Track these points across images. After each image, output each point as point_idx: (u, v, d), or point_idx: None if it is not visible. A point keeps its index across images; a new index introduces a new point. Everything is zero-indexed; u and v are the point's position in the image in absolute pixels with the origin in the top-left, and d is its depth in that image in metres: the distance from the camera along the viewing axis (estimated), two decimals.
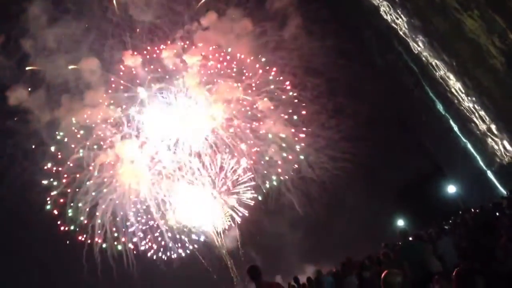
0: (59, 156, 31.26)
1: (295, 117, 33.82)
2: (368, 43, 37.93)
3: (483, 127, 32.72)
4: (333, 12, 33.48)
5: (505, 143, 31.39)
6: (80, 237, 31.16)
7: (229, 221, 33.88)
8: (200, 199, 33.36)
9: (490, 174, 33.82)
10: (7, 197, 27.26)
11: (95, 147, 32.24)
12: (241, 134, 33.66)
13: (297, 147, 33.80)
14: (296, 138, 33.82)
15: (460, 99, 33.67)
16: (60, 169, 31.22)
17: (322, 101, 33.49)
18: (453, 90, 34.03)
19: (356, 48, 35.03)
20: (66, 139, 31.36)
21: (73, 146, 31.51)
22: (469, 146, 35.09)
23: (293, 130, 33.83)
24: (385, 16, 36.67)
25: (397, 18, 35.76)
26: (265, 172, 33.92)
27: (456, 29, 29.32)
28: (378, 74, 35.78)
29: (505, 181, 31.99)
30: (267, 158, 33.93)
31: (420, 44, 34.75)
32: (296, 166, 34.08)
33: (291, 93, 33.67)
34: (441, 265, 11.73)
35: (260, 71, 33.59)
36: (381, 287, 4.95)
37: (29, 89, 30.47)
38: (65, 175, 31.36)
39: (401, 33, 36.04)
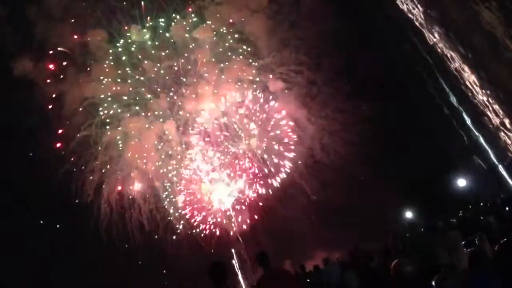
0: (64, 132, 30.75)
1: (309, 99, 33.28)
2: (383, 32, 37.50)
3: (496, 121, 32.40)
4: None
5: None
6: (85, 216, 30.96)
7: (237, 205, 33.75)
8: (208, 182, 33.22)
9: (501, 168, 33.56)
10: (8, 173, 26.89)
11: (98, 120, 31.73)
12: (252, 115, 33.25)
13: (311, 130, 33.26)
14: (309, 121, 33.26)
15: (474, 92, 33.32)
16: (65, 145, 30.79)
17: (338, 83, 32.87)
18: (467, 82, 33.68)
19: (372, 35, 34.59)
20: (71, 115, 30.80)
21: (79, 122, 30.99)
22: (481, 139, 34.79)
23: (307, 112, 33.29)
24: (401, 6, 36.24)
25: (414, 8, 35.33)
26: (277, 155, 33.53)
27: (473, 20, 28.90)
28: (392, 63, 35.38)
29: None
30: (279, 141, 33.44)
31: (436, 35, 34.34)
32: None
33: (306, 74, 33.01)
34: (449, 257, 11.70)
35: (275, 51, 32.91)
36: (391, 276, 4.95)
37: (34, 60, 29.76)
38: (71, 152, 30.93)
39: (417, 23, 35.62)
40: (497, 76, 29.72)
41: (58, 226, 30.60)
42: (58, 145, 30.50)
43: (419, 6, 34.52)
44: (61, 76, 30.52)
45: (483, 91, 32.21)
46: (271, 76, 32.92)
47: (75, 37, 30.70)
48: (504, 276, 4.85)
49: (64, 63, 30.82)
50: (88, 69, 31.17)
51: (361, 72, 32.55)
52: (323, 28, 31.91)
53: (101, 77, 31.08)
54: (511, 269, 4.64)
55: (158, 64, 32.53)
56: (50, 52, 30.32)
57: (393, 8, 36.36)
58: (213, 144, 33.14)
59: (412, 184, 35.81)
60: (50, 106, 30.11)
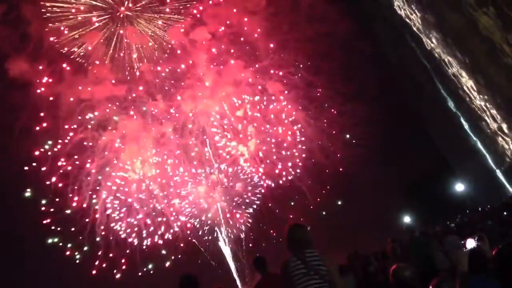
0: (60, 135, 30.12)
1: (308, 101, 32.98)
2: (381, 37, 37.65)
3: (494, 125, 32.48)
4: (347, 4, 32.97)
5: None
6: (82, 220, 30.38)
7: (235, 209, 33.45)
8: (205, 184, 32.89)
9: (499, 173, 33.63)
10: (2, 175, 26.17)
11: (94, 122, 31.17)
12: (250, 117, 32.94)
13: (310, 132, 32.89)
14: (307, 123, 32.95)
15: (472, 97, 33.41)
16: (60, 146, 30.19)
17: (337, 85, 32.48)
18: (465, 87, 33.77)
19: (371, 40, 34.55)
20: (68, 117, 30.14)
21: (75, 124, 30.40)
22: (479, 144, 34.89)
23: (306, 114, 32.93)
24: (399, 11, 36.39)
25: (411, 14, 35.46)
26: (276, 157, 33.22)
27: (470, 26, 29.04)
28: (390, 68, 35.47)
29: None
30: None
31: (434, 40, 34.47)
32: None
33: (304, 77, 32.66)
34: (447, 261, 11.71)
35: (273, 53, 32.59)
36: (391, 281, 4.95)
37: (30, 61, 29.01)
38: (67, 155, 30.28)
39: (414, 28, 35.76)
40: (495, 81, 29.82)
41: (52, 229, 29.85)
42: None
43: (416, 12, 34.66)
44: (58, 78, 30.07)
45: (481, 96, 32.30)
46: (269, 78, 32.63)
47: (72, 38, 30.43)
48: (503, 280, 4.85)
49: (61, 64, 30.41)
50: (85, 70, 30.74)
51: (360, 75, 32.40)
52: (321, 31, 31.71)
53: (99, 78, 30.61)
54: (510, 273, 4.63)
55: (156, 66, 32.24)
56: (47, 53, 29.95)
57: (391, 13, 36.54)
58: (211, 147, 32.92)
59: (410, 189, 35.88)
60: (45, 106, 29.53)
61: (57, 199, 29.40)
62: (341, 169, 31.67)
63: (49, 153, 29.33)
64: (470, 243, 8.43)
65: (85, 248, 29.58)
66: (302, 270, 4.87)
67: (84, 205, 30.13)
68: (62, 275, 29.25)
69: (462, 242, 9.04)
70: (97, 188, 30.98)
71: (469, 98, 33.65)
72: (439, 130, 37.40)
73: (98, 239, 30.35)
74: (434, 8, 32.47)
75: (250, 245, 33.45)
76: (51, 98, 29.40)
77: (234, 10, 32.22)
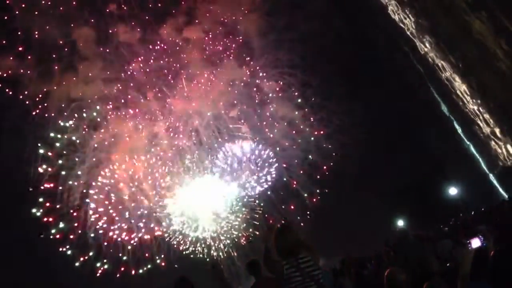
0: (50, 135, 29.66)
1: (304, 101, 32.84)
2: (375, 42, 37.76)
3: (487, 130, 32.67)
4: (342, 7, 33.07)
5: (508, 146, 31.36)
6: (71, 222, 29.93)
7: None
8: (199, 185, 32.58)
9: (492, 177, 33.78)
10: None
11: (85, 122, 30.77)
12: (245, 117, 32.71)
13: (306, 132, 32.71)
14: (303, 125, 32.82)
15: (465, 101, 33.59)
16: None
17: (333, 85, 32.38)
18: (458, 92, 33.95)
19: (365, 45, 34.67)
20: (57, 116, 29.65)
21: (65, 124, 29.91)
22: (472, 148, 35.04)
23: (301, 114, 32.78)
24: (392, 16, 36.54)
25: (405, 18, 35.64)
26: (271, 157, 33.01)
27: (464, 30, 29.22)
28: (384, 72, 35.55)
29: (506, 185, 31.96)
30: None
31: (427, 44, 34.65)
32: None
33: (300, 76, 32.50)
34: (440, 266, 11.73)
35: (268, 52, 32.41)
36: (385, 284, 4.98)
37: (18, 58, 28.46)
38: (57, 155, 29.81)
39: (408, 33, 35.92)
40: (488, 85, 30.01)
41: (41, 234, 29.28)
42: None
43: (410, 16, 34.85)
44: (47, 76, 29.60)
45: (474, 100, 32.48)
46: (264, 78, 32.43)
47: (62, 35, 29.95)
48: (495, 284, 4.85)
49: (50, 62, 29.95)
50: (75, 68, 30.24)
51: (354, 76, 32.43)
52: (317, 31, 31.60)
53: (89, 77, 30.11)
54: (503, 278, 4.64)
55: (148, 65, 31.91)
56: (35, 50, 29.48)
57: (385, 17, 36.68)
58: (204, 148, 32.68)
59: (403, 192, 35.90)
60: (33, 105, 29.05)
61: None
62: (336, 170, 31.66)
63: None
64: (476, 243, 8.35)
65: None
66: (297, 278, 4.82)
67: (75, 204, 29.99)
68: (56, 276, 29.02)
69: (468, 241, 8.92)
70: (88, 189, 30.71)
71: (462, 102, 33.83)
72: (433, 134, 37.50)
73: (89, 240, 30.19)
74: (427, 12, 32.66)
75: (244, 248, 33.30)
76: (39, 96, 29.04)
77: (229, 8, 32.09)
